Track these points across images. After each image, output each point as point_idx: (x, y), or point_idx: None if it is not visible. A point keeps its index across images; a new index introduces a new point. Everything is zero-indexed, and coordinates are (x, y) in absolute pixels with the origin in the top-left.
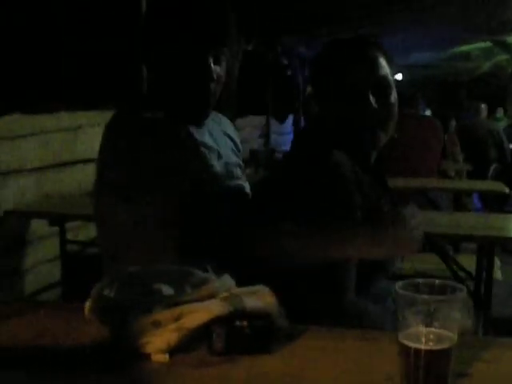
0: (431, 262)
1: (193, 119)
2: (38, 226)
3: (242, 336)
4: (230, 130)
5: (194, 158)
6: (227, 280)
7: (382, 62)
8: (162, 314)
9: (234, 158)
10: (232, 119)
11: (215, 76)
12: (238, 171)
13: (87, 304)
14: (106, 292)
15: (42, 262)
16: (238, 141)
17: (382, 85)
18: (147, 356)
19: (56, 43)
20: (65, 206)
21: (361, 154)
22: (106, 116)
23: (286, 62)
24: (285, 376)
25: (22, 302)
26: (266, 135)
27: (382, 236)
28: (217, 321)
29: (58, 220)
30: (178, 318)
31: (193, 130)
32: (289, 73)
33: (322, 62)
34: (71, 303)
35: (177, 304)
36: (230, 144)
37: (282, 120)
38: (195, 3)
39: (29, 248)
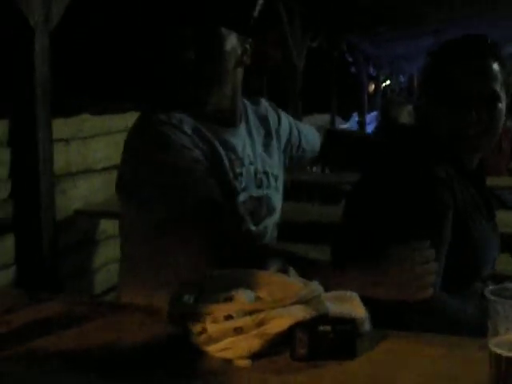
0: (503, 262)
1: (198, 112)
2: (108, 225)
3: (326, 341)
4: (271, 115)
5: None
6: (314, 286)
7: (496, 70)
8: (244, 320)
9: (265, 164)
10: (297, 117)
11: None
12: (265, 180)
13: (166, 309)
14: (186, 298)
15: (111, 261)
16: (278, 122)
17: (491, 98)
18: (229, 362)
19: (125, 44)
20: None
21: (461, 163)
22: None
23: (350, 59)
24: (374, 382)
25: (93, 301)
26: None
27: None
28: (300, 326)
29: None
30: (260, 324)
31: (218, 129)
32: (353, 70)
33: (433, 68)
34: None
35: (258, 310)
36: (269, 141)
37: (346, 118)
38: None
39: (98, 247)
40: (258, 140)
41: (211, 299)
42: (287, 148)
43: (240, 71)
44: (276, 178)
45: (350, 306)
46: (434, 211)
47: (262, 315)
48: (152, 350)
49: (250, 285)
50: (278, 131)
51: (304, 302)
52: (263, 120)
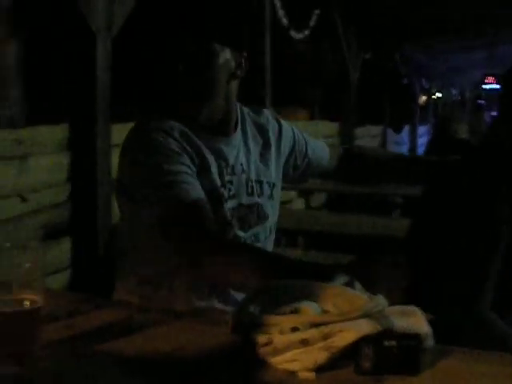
0: None
1: (189, 121)
2: None
3: (391, 356)
4: (269, 129)
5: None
6: (380, 300)
7: None
8: (310, 332)
9: (259, 174)
10: (351, 128)
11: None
12: (258, 188)
13: (230, 320)
14: (251, 309)
15: None
16: (279, 135)
17: None
18: (293, 374)
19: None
20: None
21: None
22: None
23: (403, 70)
24: None
25: (159, 311)
26: (383, 145)
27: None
28: (365, 340)
29: None
30: (326, 337)
31: (210, 137)
32: (405, 82)
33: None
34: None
35: (325, 322)
36: (263, 151)
37: (398, 130)
38: None
39: None
40: (255, 149)
41: (277, 310)
42: (291, 157)
43: (235, 83)
44: (272, 187)
45: (414, 320)
46: (492, 226)
47: (328, 328)
48: (214, 359)
49: (315, 297)
50: (278, 141)
51: (369, 315)
52: (262, 130)
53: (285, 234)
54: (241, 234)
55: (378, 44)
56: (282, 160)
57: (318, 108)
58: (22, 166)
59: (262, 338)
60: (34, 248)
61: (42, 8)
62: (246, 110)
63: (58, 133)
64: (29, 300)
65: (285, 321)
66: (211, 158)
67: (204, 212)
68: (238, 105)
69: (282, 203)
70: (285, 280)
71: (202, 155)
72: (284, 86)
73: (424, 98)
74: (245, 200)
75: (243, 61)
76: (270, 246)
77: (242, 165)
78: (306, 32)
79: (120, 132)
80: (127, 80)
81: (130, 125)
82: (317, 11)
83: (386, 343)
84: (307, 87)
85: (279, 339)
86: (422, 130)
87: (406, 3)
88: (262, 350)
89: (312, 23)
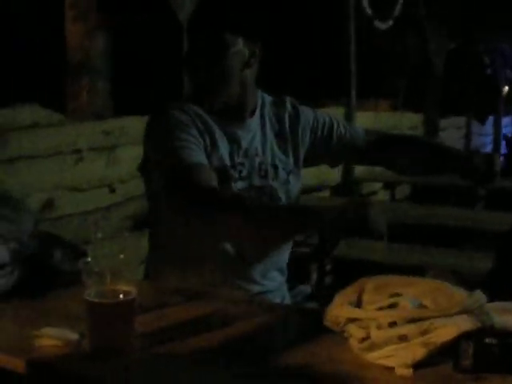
0: None
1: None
2: None
3: (492, 354)
4: (290, 118)
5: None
6: (479, 295)
7: None
8: (409, 328)
9: (275, 159)
10: (436, 120)
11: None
12: (272, 173)
13: (325, 314)
14: (348, 303)
15: None
16: (301, 123)
17: None
18: (390, 370)
19: None
20: None
21: None
22: None
23: (487, 60)
24: None
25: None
26: (466, 136)
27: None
28: (465, 336)
29: None
30: (425, 333)
31: (224, 121)
32: (489, 72)
33: None
34: None
35: (423, 318)
36: (282, 139)
37: (482, 121)
38: None
39: None
40: (272, 136)
41: (375, 305)
42: (316, 139)
43: (249, 71)
44: (289, 173)
45: None
46: None
47: (426, 324)
48: (307, 354)
49: (413, 290)
50: (295, 127)
51: (469, 311)
52: (281, 120)
53: None
54: None
55: (463, 34)
56: (305, 146)
57: (401, 99)
58: (110, 157)
59: (359, 333)
60: (125, 238)
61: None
62: (268, 98)
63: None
64: (123, 291)
65: (382, 316)
66: (223, 139)
67: (204, 172)
68: (260, 93)
69: (367, 195)
70: (381, 276)
71: (214, 135)
72: (366, 76)
73: (508, 88)
74: (257, 182)
75: (257, 50)
76: None
77: (256, 148)
78: (390, 22)
79: None
80: None
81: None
82: (401, 1)
83: (487, 340)
84: (390, 78)
85: (377, 334)
86: (506, 121)
87: None
88: (359, 346)
89: (396, 13)
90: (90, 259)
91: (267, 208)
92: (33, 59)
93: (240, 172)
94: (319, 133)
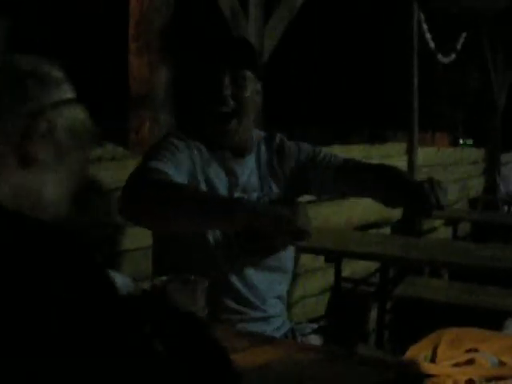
0: None
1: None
2: (309, 258)
3: None
4: (285, 150)
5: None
6: None
7: None
8: None
9: (267, 195)
10: (497, 154)
11: (230, 98)
12: None
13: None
14: (421, 357)
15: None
16: (292, 156)
17: None
18: None
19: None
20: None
21: None
22: (378, 150)
23: None
24: None
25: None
26: None
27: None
28: None
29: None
30: None
31: (225, 156)
32: None
33: None
34: None
35: (503, 376)
36: (274, 175)
37: None
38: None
39: (297, 281)
40: (266, 171)
41: (451, 361)
42: (302, 172)
43: (254, 111)
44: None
45: None
46: None
47: (506, 383)
48: None
49: (491, 346)
50: (283, 162)
51: None
52: (271, 155)
53: (428, 264)
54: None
55: None
56: (293, 178)
57: (460, 131)
58: None
59: None
60: None
61: (190, 33)
62: (261, 134)
63: None
64: None
65: (460, 373)
66: (221, 175)
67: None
68: (256, 130)
69: (427, 231)
70: (458, 328)
71: (209, 173)
72: (427, 109)
73: None
74: None
75: (260, 89)
76: (289, 263)
77: (254, 184)
78: (453, 55)
79: None
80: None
81: None
82: (464, 34)
83: None
84: (450, 110)
85: None
86: None
87: None
88: None
89: (459, 46)
90: None
91: (197, 197)
92: (96, 90)
93: None
94: (304, 163)
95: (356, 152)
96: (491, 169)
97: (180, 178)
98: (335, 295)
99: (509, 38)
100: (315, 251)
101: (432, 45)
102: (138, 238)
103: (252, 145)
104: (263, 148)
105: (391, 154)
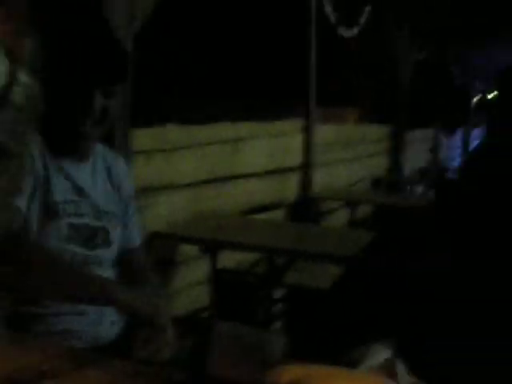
0: None
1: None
2: (188, 247)
3: None
4: (122, 176)
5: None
6: None
7: None
8: None
9: (107, 203)
10: (402, 132)
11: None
12: (105, 215)
13: None
14: None
15: (191, 284)
16: (127, 188)
17: None
18: None
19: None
20: (218, 231)
21: None
22: (271, 128)
23: (456, 71)
24: None
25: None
26: (434, 149)
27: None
28: None
29: (211, 247)
30: None
31: (64, 160)
32: (458, 83)
33: None
34: None
35: None
36: (113, 188)
37: (450, 133)
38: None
39: (178, 270)
40: (101, 183)
41: None
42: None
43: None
44: (118, 219)
45: None
46: None
47: None
48: None
49: None
50: (120, 183)
51: None
52: (110, 172)
53: (311, 257)
54: (85, 252)
55: (431, 44)
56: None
57: (367, 108)
58: None
59: None
60: None
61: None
62: (100, 146)
63: None
64: None
65: None
66: (58, 175)
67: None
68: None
69: (327, 212)
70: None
71: (50, 171)
72: (332, 85)
73: (477, 99)
74: (91, 222)
75: None
76: (111, 274)
77: (89, 190)
78: (356, 29)
79: (142, 137)
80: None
81: (154, 130)
82: (368, 8)
83: None
84: (356, 87)
85: None
86: (476, 133)
87: (459, 4)
88: None
89: (362, 20)
90: None
91: (74, 276)
92: None
93: (73, 209)
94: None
95: (245, 130)
96: (396, 146)
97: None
98: (214, 288)
99: (414, 14)
100: (191, 241)
101: (333, 18)
102: None
103: (89, 154)
104: (101, 161)
105: (285, 132)
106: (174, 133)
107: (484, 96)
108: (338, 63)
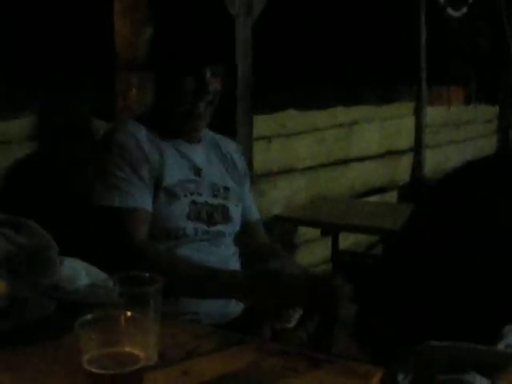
0: None
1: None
2: (307, 230)
3: None
4: (235, 155)
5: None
6: None
7: None
8: None
9: (224, 181)
10: (509, 113)
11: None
12: (223, 193)
13: None
14: (400, 377)
15: (311, 266)
16: (240, 165)
17: None
18: None
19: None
20: (336, 214)
21: None
22: (383, 111)
23: None
24: None
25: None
26: None
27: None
28: None
29: (331, 230)
30: None
31: (180, 142)
32: None
33: None
34: None
35: None
36: (227, 167)
37: None
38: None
39: (298, 251)
40: (216, 162)
41: (431, 381)
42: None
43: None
44: (237, 196)
45: None
46: None
47: None
48: None
49: (482, 367)
50: (234, 164)
51: None
52: (221, 149)
53: None
54: (206, 228)
55: None
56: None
57: (474, 88)
58: None
59: None
60: None
61: None
62: (210, 133)
63: None
64: (129, 356)
65: None
66: (175, 157)
67: (136, 221)
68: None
69: None
70: (442, 342)
71: (163, 153)
72: (439, 64)
73: None
74: (210, 200)
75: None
76: (231, 248)
77: (207, 170)
78: (465, 9)
79: (262, 123)
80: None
81: (274, 116)
82: None
83: None
84: (462, 66)
85: None
86: None
87: None
88: None
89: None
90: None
91: (197, 279)
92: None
93: (193, 188)
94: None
95: (358, 114)
96: (505, 127)
97: (147, 188)
98: (334, 269)
99: None
100: (312, 224)
101: None
102: None
103: (201, 136)
104: (214, 144)
105: (397, 115)
106: (293, 118)
107: None
108: (445, 44)
